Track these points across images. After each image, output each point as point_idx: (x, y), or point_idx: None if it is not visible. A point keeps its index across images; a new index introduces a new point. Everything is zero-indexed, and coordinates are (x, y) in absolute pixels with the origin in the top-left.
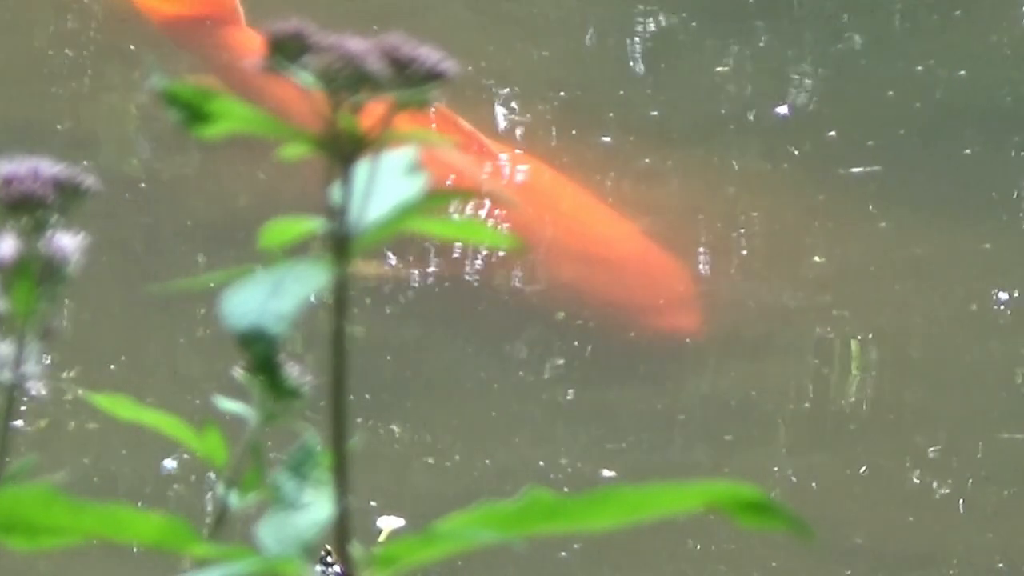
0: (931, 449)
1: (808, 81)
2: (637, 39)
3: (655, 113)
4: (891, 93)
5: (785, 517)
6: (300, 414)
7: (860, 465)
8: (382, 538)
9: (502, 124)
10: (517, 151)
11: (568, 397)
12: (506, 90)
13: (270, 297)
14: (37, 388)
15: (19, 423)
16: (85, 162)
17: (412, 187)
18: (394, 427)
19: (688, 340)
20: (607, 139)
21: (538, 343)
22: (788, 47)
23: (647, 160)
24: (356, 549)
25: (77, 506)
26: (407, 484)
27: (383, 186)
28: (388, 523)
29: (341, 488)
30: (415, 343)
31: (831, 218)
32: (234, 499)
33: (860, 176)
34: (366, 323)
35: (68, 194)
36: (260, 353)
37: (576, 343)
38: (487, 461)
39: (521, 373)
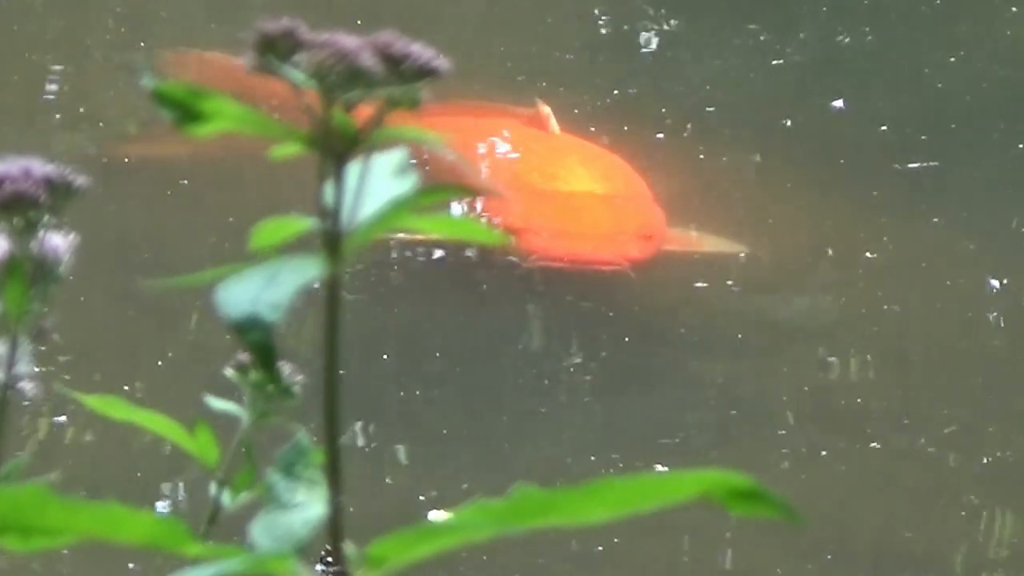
0: (984, 446)
1: (861, 75)
2: (688, 35)
3: (710, 109)
4: (940, 86)
5: (776, 504)
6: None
7: (924, 461)
8: None
9: (553, 121)
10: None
11: (620, 392)
12: (559, 89)
13: (265, 287)
14: (30, 389)
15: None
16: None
17: (404, 184)
18: (441, 422)
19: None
20: (660, 135)
21: (587, 337)
22: (837, 41)
23: (701, 156)
24: (349, 547)
25: (71, 506)
26: (455, 479)
27: (375, 184)
28: (439, 517)
29: (334, 486)
30: (456, 341)
31: (884, 213)
32: (227, 498)
33: (914, 171)
34: (408, 317)
35: (60, 193)
36: (255, 341)
37: (626, 339)
38: (535, 456)
39: (571, 368)
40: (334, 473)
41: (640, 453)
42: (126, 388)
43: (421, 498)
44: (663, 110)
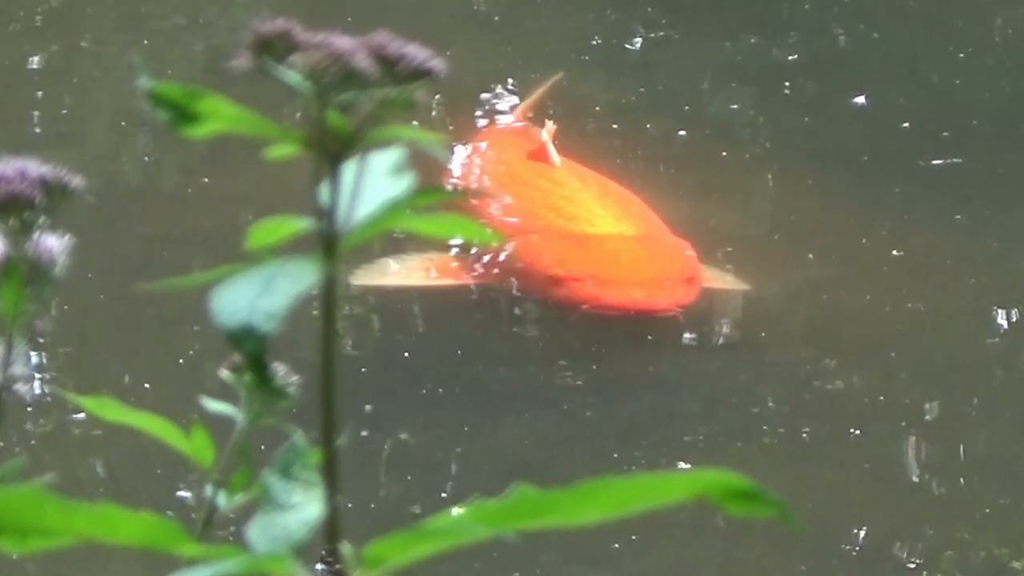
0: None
1: (880, 72)
2: (710, 33)
3: (735, 107)
4: (958, 82)
5: (773, 504)
6: (288, 414)
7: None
8: None
9: (573, 119)
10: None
11: (642, 391)
12: (582, 87)
13: (260, 295)
14: (25, 390)
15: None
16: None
17: (399, 185)
18: (463, 421)
19: (671, 314)
20: (683, 133)
21: (607, 338)
22: (856, 38)
23: (724, 153)
24: (346, 548)
25: (68, 507)
26: (477, 477)
27: (372, 184)
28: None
29: (331, 487)
30: (475, 339)
31: (907, 210)
32: (222, 499)
33: (937, 168)
34: (423, 318)
35: (55, 195)
36: (250, 351)
37: (648, 337)
38: (555, 454)
39: (594, 366)
40: (331, 474)
41: (663, 451)
42: (147, 386)
43: (443, 495)
44: (685, 107)
